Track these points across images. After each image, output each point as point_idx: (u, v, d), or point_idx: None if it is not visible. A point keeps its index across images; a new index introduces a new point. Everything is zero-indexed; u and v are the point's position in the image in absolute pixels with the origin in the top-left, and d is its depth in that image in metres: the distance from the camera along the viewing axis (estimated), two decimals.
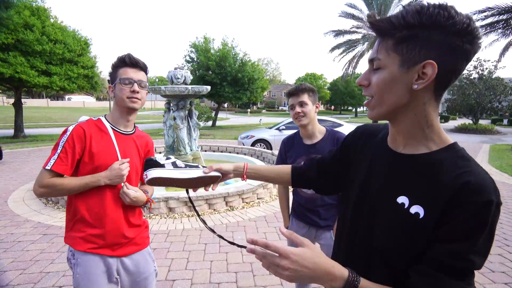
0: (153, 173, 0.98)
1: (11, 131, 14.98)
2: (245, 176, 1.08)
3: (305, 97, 1.80)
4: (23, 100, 14.72)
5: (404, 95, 0.68)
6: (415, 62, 0.65)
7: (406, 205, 0.69)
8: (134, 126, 1.62)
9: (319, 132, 1.89)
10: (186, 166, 1.02)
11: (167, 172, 0.99)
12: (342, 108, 65.22)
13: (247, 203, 4.99)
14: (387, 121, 0.81)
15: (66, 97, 66.01)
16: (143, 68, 1.50)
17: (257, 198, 5.15)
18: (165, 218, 4.30)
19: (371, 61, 0.73)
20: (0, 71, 11.72)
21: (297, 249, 0.67)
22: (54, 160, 1.34)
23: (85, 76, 14.73)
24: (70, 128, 1.39)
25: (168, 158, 1.04)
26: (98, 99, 74.30)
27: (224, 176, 1.08)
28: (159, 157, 1.05)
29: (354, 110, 56.83)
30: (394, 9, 17.46)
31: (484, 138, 20.69)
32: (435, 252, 0.64)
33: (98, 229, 1.42)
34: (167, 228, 3.96)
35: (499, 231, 4.19)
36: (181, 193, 4.54)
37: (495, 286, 2.82)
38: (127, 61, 1.45)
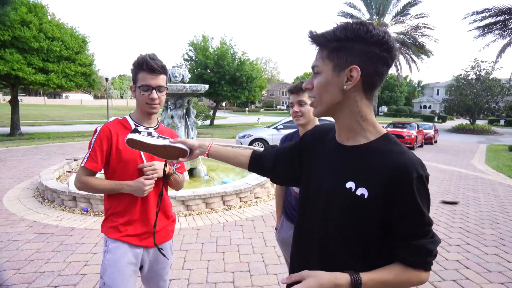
0: (130, 135, 1.18)
1: (7, 129, 14.87)
2: (207, 153, 1.16)
3: (305, 96, 1.74)
4: (19, 98, 14.62)
5: (338, 94, 0.84)
6: (344, 67, 0.81)
7: (353, 189, 0.83)
8: (158, 122, 1.68)
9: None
10: (158, 136, 1.19)
11: (141, 137, 1.17)
12: None
13: (244, 202, 4.97)
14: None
15: (64, 95, 65.63)
16: (161, 72, 1.49)
17: (255, 198, 5.14)
18: None
19: (313, 68, 0.88)
20: None
21: (302, 284, 0.78)
22: (86, 158, 1.48)
23: (82, 74, 14.63)
24: (99, 129, 1.51)
25: (146, 128, 1.25)
26: (95, 97, 74.00)
27: (191, 152, 1.16)
28: (142, 129, 1.23)
29: None
30: (393, 9, 17.49)
31: (481, 139, 20.79)
32: (401, 227, 0.79)
33: (128, 217, 1.52)
34: None
35: (496, 231, 4.20)
36: (178, 192, 4.51)
37: (492, 286, 2.83)
38: (145, 67, 1.45)
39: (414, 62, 18.19)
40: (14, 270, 2.90)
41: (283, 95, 68.48)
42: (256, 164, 1.16)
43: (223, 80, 21.52)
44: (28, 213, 4.40)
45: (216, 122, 25.79)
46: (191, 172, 6.43)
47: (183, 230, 3.91)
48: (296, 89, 1.76)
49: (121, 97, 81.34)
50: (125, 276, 1.50)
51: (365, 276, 0.78)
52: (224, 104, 49.53)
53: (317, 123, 1.84)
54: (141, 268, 1.62)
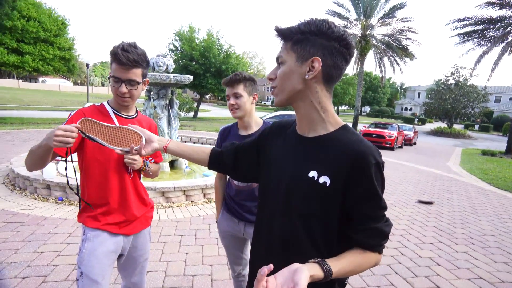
0: (83, 118, 1.17)
1: None
2: (165, 147, 1.16)
3: (240, 88, 1.70)
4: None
5: (299, 83, 0.88)
6: (307, 58, 0.86)
7: (316, 177, 0.87)
8: (136, 111, 1.64)
9: (256, 123, 1.80)
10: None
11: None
12: None
13: None
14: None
15: (40, 79, 62.78)
16: (134, 65, 1.38)
17: None
18: None
19: (277, 59, 0.92)
20: None
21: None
22: None
23: (61, 58, 14.06)
24: (72, 113, 1.43)
25: None
26: (75, 83, 71.28)
27: (147, 142, 1.15)
28: None
29: (335, 108, 57.82)
30: (380, 11, 17.74)
31: (457, 142, 21.63)
32: (360, 211, 0.85)
33: (105, 207, 1.48)
34: None
35: (466, 230, 4.38)
36: (158, 183, 4.42)
37: (460, 282, 2.95)
38: (117, 58, 1.35)
39: (398, 64, 18.60)
40: None
41: (267, 90, 68.50)
42: (216, 161, 1.19)
43: (208, 72, 21.22)
44: None
45: (199, 114, 25.47)
46: (172, 164, 6.33)
47: (162, 222, 3.84)
48: (231, 81, 1.71)
49: (103, 85, 78.73)
50: (104, 265, 1.46)
51: (333, 267, 0.80)
52: (208, 97, 48.97)
53: (255, 116, 1.81)
54: (119, 256, 1.60)
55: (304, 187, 0.89)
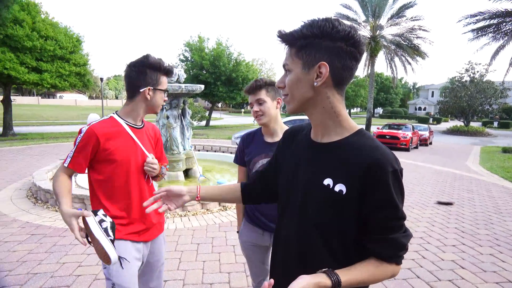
0: (88, 219, 1.22)
1: None
2: (198, 198, 1.14)
3: (263, 94, 1.66)
4: (12, 98, 14.45)
5: (309, 91, 0.84)
6: (313, 64, 0.81)
7: (331, 186, 0.83)
8: (143, 120, 1.71)
9: (282, 129, 1.72)
10: (106, 233, 1.22)
11: (93, 223, 1.22)
12: None
13: None
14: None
15: (58, 95, 64.96)
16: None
17: None
18: None
19: (283, 66, 0.89)
20: None
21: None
22: (70, 159, 1.43)
23: (77, 74, 14.51)
24: (84, 129, 1.45)
25: (104, 216, 1.28)
26: (90, 97, 73.42)
27: (177, 196, 1.13)
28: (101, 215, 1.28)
29: (347, 111, 57.21)
30: (388, 11, 17.59)
31: (475, 140, 21.00)
32: (376, 221, 0.81)
33: (127, 217, 1.51)
34: None
35: (491, 231, 4.23)
36: None
37: (487, 286, 2.84)
38: (167, 71, 1.55)
39: (410, 64, 18.30)
40: (6, 272, 2.84)
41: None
42: (250, 196, 1.20)
43: (219, 80, 21.46)
44: (21, 214, 4.33)
45: (211, 123, 25.72)
46: (187, 173, 6.40)
47: (179, 230, 3.87)
48: (252, 88, 1.68)
49: (116, 98, 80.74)
50: (133, 274, 1.50)
51: (343, 276, 0.79)
52: (219, 105, 49.39)
53: (281, 121, 1.77)
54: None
55: (320, 195, 0.85)
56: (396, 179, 0.80)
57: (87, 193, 4.08)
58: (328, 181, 0.84)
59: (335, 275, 0.78)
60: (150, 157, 1.57)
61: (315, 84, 0.83)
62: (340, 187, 0.82)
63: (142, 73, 1.49)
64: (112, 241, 1.22)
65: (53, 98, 63.68)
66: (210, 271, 2.93)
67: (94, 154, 1.45)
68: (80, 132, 1.46)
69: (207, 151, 9.54)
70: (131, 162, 1.52)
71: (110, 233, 1.22)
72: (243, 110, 53.77)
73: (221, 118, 36.48)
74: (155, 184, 1.81)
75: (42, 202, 4.78)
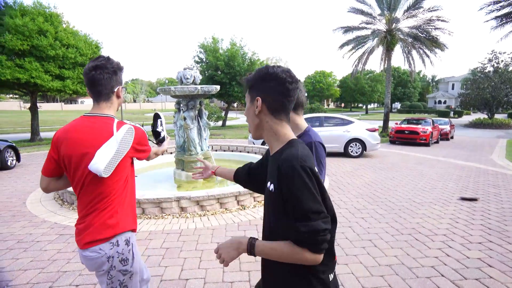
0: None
1: (28, 135, 15.39)
2: (213, 172, 1.72)
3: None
4: (38, 104, 15.08)
5: (255, 118, 1.16)
6: (253, 98, 1.14)
7: (268, 185, 1.10)
8: None
9: (299, 127, 1.75)
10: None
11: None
12: (353, 105, 64.47)
13: (258, 201, 4.98)
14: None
15: (79, 100, 67.34)
16: None
17: None
18: (177, 217, 4.34)
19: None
20: (17, 76, 12.03)
21: (219, 246, 1.16)
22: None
23: None
24: (140, 131, 1.64)
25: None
26: None
27: (206, 170, 1.77)
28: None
29: (364, 107, 56.10)
30: (404, 3, 17.09)
31: (500, 133, 20.13)
32: (286, 210, 1.01)
33: (132, 208, 1.62)
34: (180, 228, 3.99)
35: (502, 223, 4.07)
36: (192, 192, 4.56)
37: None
38: (122, 69, 1.68)
39: (428, 56, 17.67)
40: (39, 269, 3.00)
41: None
42: (237, 179, 1.60)
43: (234, 81, 21.57)
44: (49, 215, 4.54)
45: (228, 123, 25.91)
46: None
47: (198, 230, 3.95)
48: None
49: (134, 101, 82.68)
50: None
51: (259, 242, 1.07)
52: (235, 105, 49.59)
53: (302, 121, 1.77)
54: None
55: (266, 193, 1.15)
56: (299, 175, 0.97)
57: (164, 196, 4.41)
58: (268, 184, 1.11)
59: (253, 239, 1.09)
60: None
61: (256, 112, 1.13)
62: (271, 186, 1.07)
63: (114, 74, 1.56)
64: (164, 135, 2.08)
65: (75, 103, 66.02)
66: (230, 270, 2.98)
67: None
68: (145, 135, 1.67)
69: (224, 151, 9.63)
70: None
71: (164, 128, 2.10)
72: None
73: (237, 118, 36.65)
74: None
75: (68, 203, 4.99)
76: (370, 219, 4.41)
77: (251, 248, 1.07)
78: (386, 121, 17.54)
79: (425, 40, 16.87)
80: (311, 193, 0.97)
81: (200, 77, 6.41)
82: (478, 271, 2.97)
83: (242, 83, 1.35)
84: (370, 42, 18.22)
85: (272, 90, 1.10)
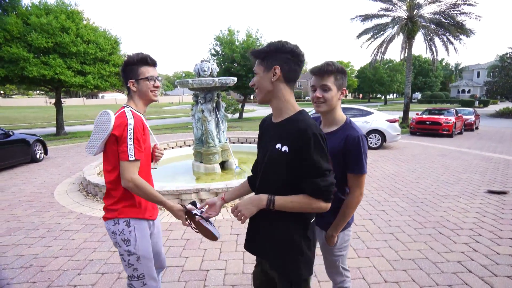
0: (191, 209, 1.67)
1: (53, 129, 16.01)
2: (223, 197, 1.58)
3: (331, 81, 1.55)
4: (62, 100, 15.62)
5: (269, 85, 1.28)
6: (270, 67, 1.26)
7: (280, 147, 1.26)
8: None
9: (338, 121, 1.66)
10: (203, 218, 1.60)
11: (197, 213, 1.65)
12: (371, 96, 62.90)
13: None
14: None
15: (100, 95, 69.21)
16: (157, 65, 1.79)
17: None
18: None
19: (254, 71, 1.33)
20: (43, 73, 12.47)
21: (238, 204, 1.34)
22: (133, 151, 1.55)
23: (116, 74, 15.26)
24: (131, 121, 1.58)
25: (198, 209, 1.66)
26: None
27: (212, 205, 1.58)
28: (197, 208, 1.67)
29: (383, 97, 54.58)
30: None
31: None
32: (303, 169, 1.21)
33: (145, 201, 1.72)
34: None
35: None
36: (211, 184, 4.61)
37: None
38: (149, 62, 1.72)
39: (452, 43, 16.82)
40: (68, 257, 3.14)
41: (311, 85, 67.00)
42: (254, 186, 1.53)
43: (250, 73, 21.44)
44: (75, 206, 4.72)
45: (244, 115, 25.93)
46: (223, 165, 6.54)
47: (218, 222, 3.99)
48: (321, 71, 1.56)
49: None
50: (150, 244, 1.75)
51: (278, 197, 1.25)
52: (252, 97, 49.54)
53: (340, 111, 1.68)
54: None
55: (274, 155, 1.27)
56: (318, 141, 1.19)
57: (184, 188, 4.47)
58: (278, 145, 1.26)
59: (272, 195, 1.26)
60: (158, 144, 1.90)
61: (273, 80, 1.26)
62: (284, 148, 1.24)
63: (124, 71, 1.72)
64: (212, 224, 1.63)
65: (96, 98, 67.97)
66: (250, 262, 3.00)
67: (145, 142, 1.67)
68: (127, 124, 1.55)
69: (242, 143, 9.66)
70: (149, 150, 1.78)
71: (211, 220, 1.65)
72: None
73: (253, 110, 36.60)
74: None
75: (92, 195, 5.17)
76: (391, 212, 4.32)
77: (271, 202, 1.24)
78: (406, 111, 17.02)
79: (449, 26, 16.10)
80: (326, 155, 1.21)
81: (217, 69, 6.40)
82: (510, 268, 2.84)
83: (252, 53, 1.34)
84: (389, 30, 17.60)
85: (289, 61, 1.25)
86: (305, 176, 1.21)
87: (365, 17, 17.69)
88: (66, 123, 17.85)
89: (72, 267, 2.95)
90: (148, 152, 1.77)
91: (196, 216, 1.60)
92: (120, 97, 67.56)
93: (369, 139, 9.61)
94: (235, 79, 6.28)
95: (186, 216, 1.65)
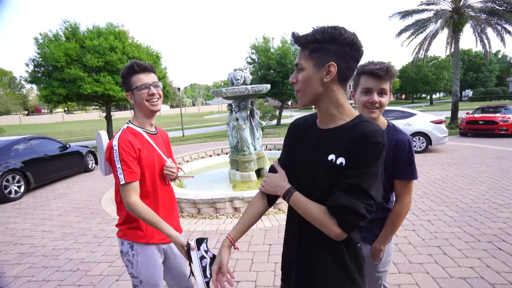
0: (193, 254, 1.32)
1: None
2: (233, 246, 1.21)
3: (387, 85, 1.44)
4: (112, 113, 16.92)
5: (319, 86, 1.01)
6: (323, 64, 0.98)
7: (334, 160, 0.99)
8: (155, 127, 1.78)
9: (382, 124, 1.57)
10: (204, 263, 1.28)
11: (196, 262, 1.30)
12: (415, 96, 59.15)
13: None
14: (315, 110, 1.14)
15: None
16: (151, 70, 1.58)
17: None
18: (231, 218, 4.44)
19: (296, 65, 1.05)
20: (95, 89, 13.79)
21: (269, 174, 1.21)
22: (122, 174, 1.45)
23: None
24: (116, 143, 1.48)
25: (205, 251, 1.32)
26: (171, 106, 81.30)
27: (224, 266, 1.17)
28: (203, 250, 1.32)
29: (428, 97, 51.03)
30: None
31: None
32: (347, 179, 0.95)
33: (152, 228, 1.59)
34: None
35: None
36: (245, 193, 4.62)
37: None
38: (136, 69, 1.54)
39: (509, 32, 15.18)
40: (109, 263, 3.33)
41: (349, 88, 65.02)
42: (273, 199, 1.26)
43: (286, 78, 21.41)
44: None
45: (282, 121, 25.84)
46: (259, 173, 6.55)
47: (251, 231, 3.98)
48: (382, 73, 1.40)
49: (193, 105, 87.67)
50: (158, 269, 1.64)
51: (298, 193, 1.06)
52: (290, 103, 49.30)
53: (381, 116, 1.57)
54: (165, 265, 1.75)
55: (326, 168, 1.01)
56: (376, 149, 0.95)
57: (218, 197, 4.51)
58: (331, 157, 1.00)
59: (293, 189, 1.08)
60: (169, 161, 1.68)
61: (325, 80, 0.99)
62: (341, 160, 0.98)
63: (122, 84, 1.62)
64: (207, 283, 1.25)
65: None
66: None
67: (138, 160, 1.52)
68: (111, 147, 1.48)
69: (279, 149, 9.61)
70: (155, 167, 1.61)
71: (208, 273, 1.26)
72: (313, 106, 52.58)
73: (292, 116, 36.35)
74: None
75: None
76: (438, 222, 3.96)
77: (289, 195, 1.07)
78: (454, 111, 15.67)
79: (505, 13, 14.58)
80: (377, 175, 0.96)
81: (251, 77, 6.47)
82: None
83: (295, 37, 1.02)
84: (432, 25, 16.44)
85: (347, 56, 0.97)
86: (338, 187, 0.96)
87: (405, 14, 16.74)
88: None
89: (111, 272, 3.13)
90: (153, 169, 1.60)
91: (191, 265, 1.32)
92: (163, 109, 71.47)
93: (412, 142, 9.00)
94: (268, 86, 6.29)
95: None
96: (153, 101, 1.57)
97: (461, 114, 14.44)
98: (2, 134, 11.51)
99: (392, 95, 1.61)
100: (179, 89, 21.29)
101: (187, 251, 1.34)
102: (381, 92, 1.46)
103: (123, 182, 1.45)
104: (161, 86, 1.64)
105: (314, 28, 1.00)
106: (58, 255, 3.62)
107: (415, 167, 1.50)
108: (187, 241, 1.37)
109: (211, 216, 4.53)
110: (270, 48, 22.20)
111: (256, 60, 23.05)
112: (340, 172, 0.97)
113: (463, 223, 3.88)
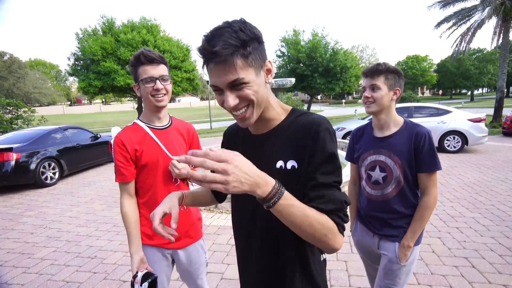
0: None
1: None
2: (183, 205, 1.09)
3: (380, 80, 1.53)
4: (143, 105, 17.60)
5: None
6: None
7: (283, 166, 0.86)
8: (170, 118, 1.64)
9: (394, 123, 1.59)
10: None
11: None
12: (454, 92, 55.39)
13: None
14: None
15: (177, 99, 75.82)
16: (160, 61, 1.43)
17: None
18: None
19: (373, 85, 1.55)
20: (127, 82, 14.33)
21: (236, 154, 0.70)
22: (115, 174, 1.50)
23: (187, 79, 16.57)
24: (112, 142, 1.50)
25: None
26: (202, 99, 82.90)
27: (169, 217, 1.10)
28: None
29: (469, 93, 47.48)
30: None
31: None
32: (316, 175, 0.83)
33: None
34: None
35: None
36: None
37: None
38: (142, 60, 1.40)
39: None
40: (124, 252, 3.44)
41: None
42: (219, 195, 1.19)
43: (316, 72, 20.97)
44: None
45: None
46: None
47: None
48: (370, 72, 1.55)
49: None
50: (157, 271, 1.51)
51: (289, 195, 0.73)
52: (319, 97, 48.26)
53: (394, 114, 1.59)
54: (179, 269, 1.68)
55: (275, 176, 0.79)
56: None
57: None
58: (280, 163, 0.87)
59: (282, 187, 0.72)
60: (174, 160, 1.48)
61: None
62: (291, 163, 0.85)
63: (132, 73, 1.49)
64: None
65: (173, 102, 74.68)
66: None
67: (133, 158, 1.47)
68: (111, 146, 1.51)
69: None
70: (158, 165, 1.49)
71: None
72: (343, 100, 51.16)
73: (321, 110, 35.62)
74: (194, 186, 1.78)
75: None
76: (468, 230, 3.64)
77: (277, 195, 0.70)
78: (498, 108, 14.35)
79: None
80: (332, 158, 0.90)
81: (275, 71, 6.36)
82: None
83: (214, 52, 0.72)
84: (478, 14, 15.13)
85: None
86: (308, 193, 0.83)
87: (446, 3, 15.57)
88: None
89: (125, 262, 3.21)
90: (156, 168, 1.50)
91: None
92: (194, 101, 73.23)
93: (446, 142, 8.40)
94: (293, 80, 6.16)
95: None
96: (158, 97, 1.44)
97: (506, 112, 13.23)
98: (45, 123, 12.31)
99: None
100: (208, 81, 21.56)
101: (131, 283, 1.32)
102: (373, 88, 1.56)
103: (115, 181, 1.47)
104: (170, 80, 1.51)
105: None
106: (80, 241, 3.80)
107: (438, 158, 1.51)
108: (137, 272, 1.34)
109: (228, 211, 4.52)
110: (300, 41, 21.79)
111: (286, 53, 22.74)
112: (296, 177, 0.83)
113: (498, 233, 3.54)
